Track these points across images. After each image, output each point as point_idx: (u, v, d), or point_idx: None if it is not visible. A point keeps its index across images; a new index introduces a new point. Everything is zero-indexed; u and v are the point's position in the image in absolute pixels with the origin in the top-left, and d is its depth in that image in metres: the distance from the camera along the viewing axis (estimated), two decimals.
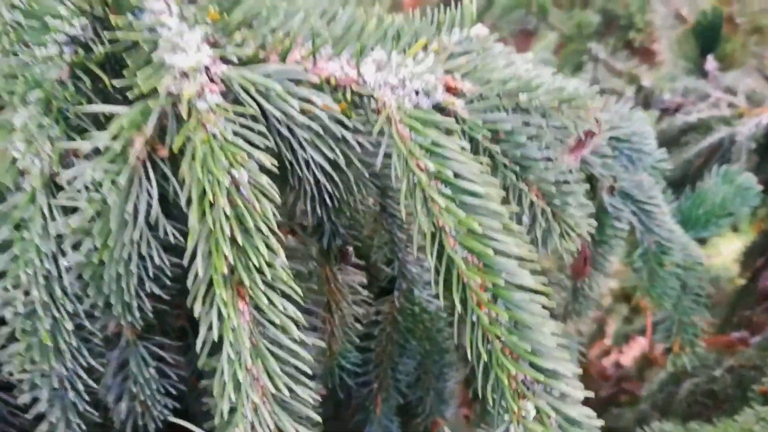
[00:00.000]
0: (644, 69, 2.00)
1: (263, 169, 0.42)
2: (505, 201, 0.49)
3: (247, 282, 0.38)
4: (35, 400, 0.50)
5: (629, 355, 2.09)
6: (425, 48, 0.49)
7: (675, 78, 1.96)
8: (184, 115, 0.40)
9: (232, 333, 0.38)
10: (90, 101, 0.46)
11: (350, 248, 0.59)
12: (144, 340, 0.54)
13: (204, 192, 0.39)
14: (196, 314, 0.39)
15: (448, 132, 0.45)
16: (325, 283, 0.59)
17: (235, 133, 0.41)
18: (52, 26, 0.45)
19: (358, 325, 0.67)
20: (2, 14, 0.46)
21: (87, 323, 0.49)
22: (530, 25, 2.23)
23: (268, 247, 0.39)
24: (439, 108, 0.47)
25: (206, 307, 0.40)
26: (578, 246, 0.51)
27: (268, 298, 0.39)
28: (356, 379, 0.82)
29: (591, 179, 0.78)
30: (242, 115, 0.43)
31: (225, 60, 0.45)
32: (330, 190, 0.49)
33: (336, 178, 0.49)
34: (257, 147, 0.42)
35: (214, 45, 0.46)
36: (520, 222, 0.49)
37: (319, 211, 0.52)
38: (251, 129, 0.42)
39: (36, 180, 0.45)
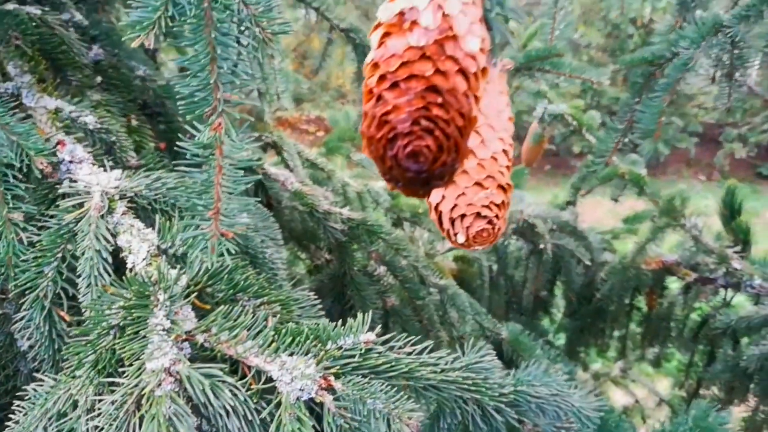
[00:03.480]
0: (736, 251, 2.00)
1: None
2: None
3: None
4: None
5: None
6: (318, 353, 0.75)
7: None
8: (144, 399, 0.70)
9: None
10: (120, 360, 0.79)
11: None
12: None
13: None
14: None
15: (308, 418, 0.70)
16: None
17: (175, 412, 0.70)
18: (109, 316, 0.79)
19: None
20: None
21: None
22: (631, 192, 2.34)
23: None
24: (313, 401, 0.72)
25: None
26: None
27: None
28: None
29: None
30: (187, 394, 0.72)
31: (196, 347, 0.75)
32: None
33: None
34: (187, 418, 0.70)
35: (191, 337, 0.76)
36: None
37: None
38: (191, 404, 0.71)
39: (83, 407, 0.78)
